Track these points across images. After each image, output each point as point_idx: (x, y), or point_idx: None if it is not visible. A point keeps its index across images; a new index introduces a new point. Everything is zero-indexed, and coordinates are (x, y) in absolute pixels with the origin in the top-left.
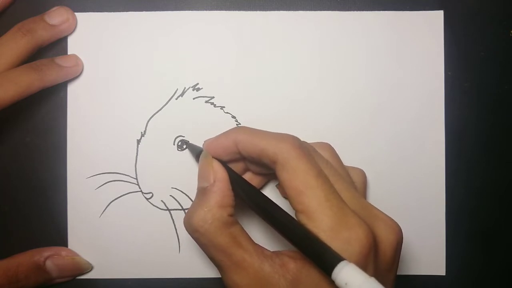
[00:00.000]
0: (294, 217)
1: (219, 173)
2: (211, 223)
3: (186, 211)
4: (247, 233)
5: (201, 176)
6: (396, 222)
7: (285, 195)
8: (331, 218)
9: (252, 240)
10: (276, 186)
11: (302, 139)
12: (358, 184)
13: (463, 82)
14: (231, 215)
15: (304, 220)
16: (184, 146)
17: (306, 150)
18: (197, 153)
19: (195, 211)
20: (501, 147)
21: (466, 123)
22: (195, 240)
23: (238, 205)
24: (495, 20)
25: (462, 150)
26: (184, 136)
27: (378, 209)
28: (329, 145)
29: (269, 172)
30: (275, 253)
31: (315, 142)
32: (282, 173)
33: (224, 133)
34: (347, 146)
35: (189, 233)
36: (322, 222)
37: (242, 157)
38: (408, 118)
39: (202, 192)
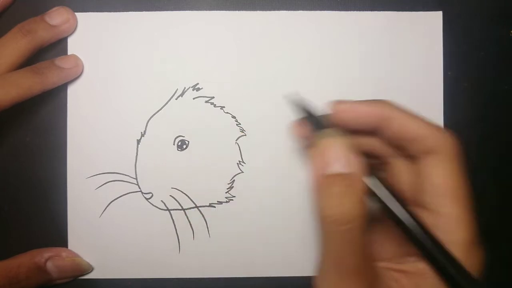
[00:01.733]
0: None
1: (359, 163)
2: (362, 216)
3: (186, 211)
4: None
5: (335, 158)
6: None
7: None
8: (468, 233)
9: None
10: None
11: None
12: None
13: (463, 82)
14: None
15: (444, 225)
16: (184, 146)
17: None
18: (311, 115)
19: (341, 200)
20: (501, 147)
21: (466, 123)
22: (328, 234)
23: None
24: (495, 20)
25: (462, 150)
26: (184, 136)
27: None
28: None
29: (391, 156)
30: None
31: None
32: (437, 167)
33: (366, 101)
34: None
35: (322, 223)
36: (459, 235)
37: (369, 132)
38: None
39: (343, 178)
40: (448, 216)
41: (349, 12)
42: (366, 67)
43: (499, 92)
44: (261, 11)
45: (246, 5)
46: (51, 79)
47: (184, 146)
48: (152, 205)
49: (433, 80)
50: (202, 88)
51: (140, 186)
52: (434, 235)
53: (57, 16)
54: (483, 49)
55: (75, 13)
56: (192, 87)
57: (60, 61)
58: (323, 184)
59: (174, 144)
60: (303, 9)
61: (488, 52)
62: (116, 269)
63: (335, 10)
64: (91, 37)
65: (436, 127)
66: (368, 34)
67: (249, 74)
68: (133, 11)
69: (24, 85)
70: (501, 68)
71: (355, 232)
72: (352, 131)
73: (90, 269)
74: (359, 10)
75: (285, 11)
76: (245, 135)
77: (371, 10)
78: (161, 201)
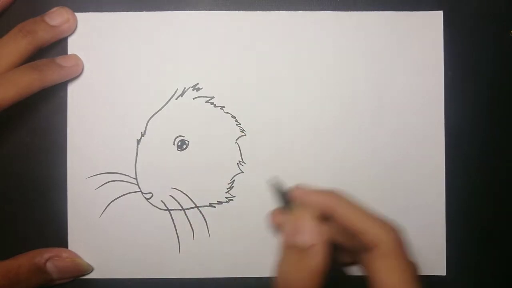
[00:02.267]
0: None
1: (324, 235)
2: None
3: (186, 211)
4: None
5: (296, 231)
6: None
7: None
8: None
9: None
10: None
11: (301, 139)
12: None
13: (463, 82)
14: None
15: None
16: (184, 146)
17: (406, 247)
18: (283, 194)
19: (292, 272)
20: (501, 147)
21: (466, 123)
22: None
23: None
24: (495, 20)
25: (462, 150)
26: (184, 136)
27: None
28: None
29: (352, 247)
30: None
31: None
32: (379, 262)
33: (322, 192)
34: (347, 146)
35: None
36: None
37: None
38: (408, 118)
39: (298, 251)
40: None
41: (349, 12)
42: (366, 67)
43: (499, 92)
44: (261, 11)
45: (246, 5)
46: (51, 77)
47: (184, 146)
48: (152, 205)
49: (433, 80)
50: (202, 88)
51: (140, 186)
52: None
53: (57, 17)
54: (483, 49)
55: (75, 13)
56: (192, 87)
57: (60, 60)
58: (286, 250)
59: (174, 144)
60: (303, 9)
61: (488, 52)
62: (116, 269)
63: (335, 10)
64: (91, 37)
65: (378, 220)
66: (368, 34)
67: (249, 74)
68: (133, 11)
69: (23, 83)
70: (501, 68)
71: None
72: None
73: (90, 269)
74: (359, 10)
75: (285, 11)
76: (245, 135)
77: (371, 10)
78: (161, 201)
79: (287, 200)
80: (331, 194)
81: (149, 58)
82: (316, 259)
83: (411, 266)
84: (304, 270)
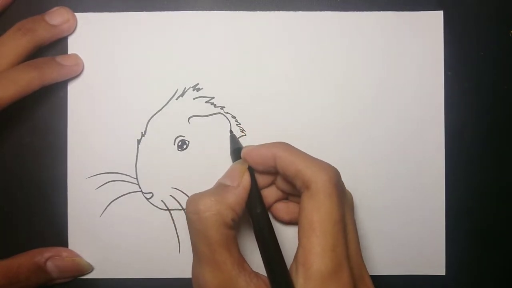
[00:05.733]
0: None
1: (245, 183)
2: (214, 214)
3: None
4: (238, 244)
5: (229, 175)
6: None
7: (287, 218)
8: (327, 268)
9: (240, 251)
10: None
11: (301, 140)
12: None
13: (463, 82)
14: (233, 221)
15: (301, 257)
16: (185, 146)
17: (341, 189)
18: (234, 150)
19: (205, 196)
20: (501, 147)
21: (466, 123)
22: (188, 221)
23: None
24: (495, 20)
25: (462, 150)
26: (184, 136)
27: (369, 276)
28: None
29: (295, 194)
30: (256, 273)
31: None
32: (307, 201)
33: (265, 144)
34: (347, 146)
35: (187, 211)
36: (317, 269)
37: (275, 172)
38: (408, 118)
39: (221, 187)
40: (313, 252)
41: (349, 12)
42: (366, 67)
43: (499, 92)
44: (261, 11)
45: (246, 5)
46: (50, 75)
47: (184, 146)
48: (152, 205)
49: (434, 80)
50: (202, 88)
51: (141, 186)
52: (284, 270)
53: (57, 16)
54: (483, 49)
55: (75, 13)
56: (192, 87)
57: (60, 58)
58: (215, 185)
59: (174, 144)
60: (303, 9)
61: (488, 52)
62: (116, 269)
63: (335, 10)
64: (91, 37)
65: (315, 163)
66: (368, 34)
67: (249, 74)
68: (133, 11)
69: (22, 81)
70: (501, 68)
71: (207, 223)
72: (265, 171)
73: (90, 269)
74: (359, 10)
75: (285, 11)
76: (245, 135)
77: (371, 10)
78: (161, 201)
79: (238, 156)
80: (273, 144)
81: (149, 58)
82: (229, 194)
83: (340, 206)
84: (217, 197)
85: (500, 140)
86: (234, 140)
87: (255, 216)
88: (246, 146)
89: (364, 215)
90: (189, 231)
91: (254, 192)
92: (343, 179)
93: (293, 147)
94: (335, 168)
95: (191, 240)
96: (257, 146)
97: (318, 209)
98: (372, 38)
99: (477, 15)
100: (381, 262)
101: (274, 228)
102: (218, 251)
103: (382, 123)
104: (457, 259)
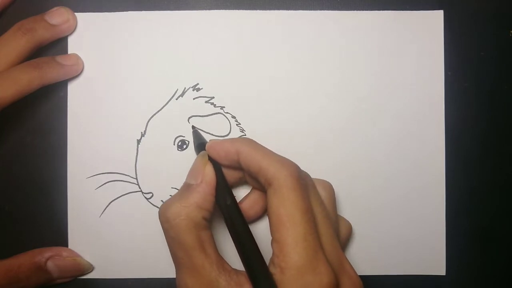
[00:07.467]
0: (270, 242)
1: (208, 176)
2: (183, 219)
3: None
4: (214, 242)
5: (191, 173)
6: (361, 284)
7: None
8: (302, 258)
9: (217, 250)
10: None
11: (301, 139)
12: (325, 199)
13: (463, 82)
14: (205, 219)
15: (276, 250)
16: (184, 146)
17: (304, 183)
18: (198, 145)
19: (172, 203)
20: (501, 146)
21: (466, 123)
22: (163, 231)
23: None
24: (495, 20)
25: (462, 150)
26: (184, 136)
27: (350, 264)
28: (330, 185)
29: (262, 189)
30: (235, 270)
31: (317, 179)
32: (272, 197)
33: (229, 139)
34: (347, 146)
35: (160, 222)
36: (292, 260)
37: (241, 167)
38: (408, 118)
39: (186, 188)
40: (286, 243)
41: (349, 11)
42: (366, 66)
43: (499, 92)
44: (261, 11)
45: (246, 5)
46: (50, 74)
47: (184, 146)
48: (152, 205)
49: (434, 80)
50: (202, 88)
51: (140, 186)
52: (259, 258)
53: (57, 16)
54: (483, 49)
55: (75, 13)
56: (192, 87)
57: (60, 58)
58: (181, 187)
59: (174, 144)
60: (303, 9)
61: (488, 52)
62: (116, 269)
63: (335, 9)
64: (91, 37)
65: (276, 159)
66: (368, 34)
67: (249, 74)
68: (133, 11)
69: (22, 81)
70: (501, 68)
71: (178, 229)
72: (231, 166)
73: (90, 268)
74: (359, 10)
75: (285, 10)
76: (245, 135)
77: (371, 9)
78: (161, 201)
79: (199, 147)
80: (237, 139)
81: (149, 58)
82: (194, 193)
83: (305, 198)
84: (183, 200)
85: (500, 140)
86: (197, 135)
87: (224, 208)
88: (210, 140)
89: (364, 215)
90: (166, 240)
91: (221, 184)
92: (343, 179)
93: (256, 143)
94: (295, 163)
95: (170, 250)
96: (221, 140)
97: (284, 203)
98: (372, 37)
99: (477, 15)
100: (381, 262)
101: (249, 225)
102: (195, 255)
103: (382, 122)
104: (457, 259)
